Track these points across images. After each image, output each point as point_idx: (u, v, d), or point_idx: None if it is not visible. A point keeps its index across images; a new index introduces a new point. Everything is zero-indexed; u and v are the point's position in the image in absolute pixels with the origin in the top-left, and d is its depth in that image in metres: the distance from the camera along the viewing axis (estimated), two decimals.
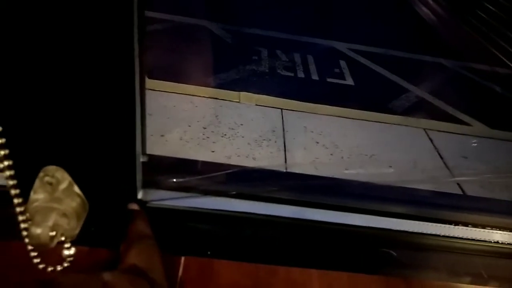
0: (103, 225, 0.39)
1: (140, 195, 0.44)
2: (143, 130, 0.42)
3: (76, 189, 0.34)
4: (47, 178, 0.32)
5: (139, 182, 0.43)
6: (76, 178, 0.34)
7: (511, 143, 2.47)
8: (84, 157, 0.36)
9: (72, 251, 0.32)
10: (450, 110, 2.71)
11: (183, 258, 0.40)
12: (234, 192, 0.46)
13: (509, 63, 3.51)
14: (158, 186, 0.46)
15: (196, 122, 2.25)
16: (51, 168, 0.33)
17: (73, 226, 0.33)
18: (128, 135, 0.37)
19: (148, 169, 0.46)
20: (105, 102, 0.34)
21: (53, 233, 0.30)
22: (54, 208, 0.31)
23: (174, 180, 0.47)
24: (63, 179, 0.33)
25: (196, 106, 2.38)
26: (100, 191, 0.38)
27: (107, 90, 0.34)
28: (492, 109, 2.89)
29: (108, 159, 0.37)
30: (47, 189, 0.32)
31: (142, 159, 0.44)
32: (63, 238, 0.32)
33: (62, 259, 0.33)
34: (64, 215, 0.32)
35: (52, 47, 0.31)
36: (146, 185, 0.45)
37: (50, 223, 0.30)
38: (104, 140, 0.36)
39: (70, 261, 0.32)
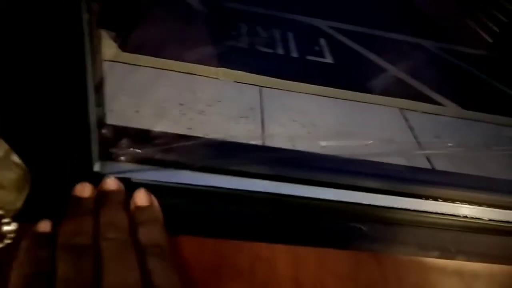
0: (54, 200, 0.36)
1: (97, 168, 0.40)
2: (99, 98, 0.39)
3: (15, 158, 0.31)
4: None
5: (95, 154, 0.40)
6: (17, 147, 0.31)
7: (482, 123, 2.54)
8: (26, 125, 0.32)
9: (13, 226, 0.29)
10: (426, 90, 2.75)
11: None
12: (200, 165, 0.43)
13: (489, 40, 3.55)
14: (118, 158, 0.43)
15: (173, 98, 2.19)
16: None
17: (13, 200, 0.30)
18: (79, 101, 0.34)
19: (107, 140, 0.43)
20: (49, 60, 0.31)
21: None
22: None
23: (137, 151, 0.44)
24: None
25: (173, 82, 2.32)
26: (48, 163, 0.35)
27: (51, 48, 0.30)
28: (466, 90, 2.95)
29: (55, 127, 0.34)
30: None
31: (99, 129, 0.41)
32: (1, 212, 0.29)
33: (2, 236, 0.30)
34: (1, 187, 0.29)
35: None
36: (104, 157, 0.42)
37: None
38: (48, 106, 0.32)
39: (12, 238, 0.30)
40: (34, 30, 0.29)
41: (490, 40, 3.60)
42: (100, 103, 0.39)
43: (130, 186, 0.42)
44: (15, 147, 0.31)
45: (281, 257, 0.39)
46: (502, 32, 3.53)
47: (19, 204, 0.30)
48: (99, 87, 0.38)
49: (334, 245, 0.42)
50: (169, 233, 0.35)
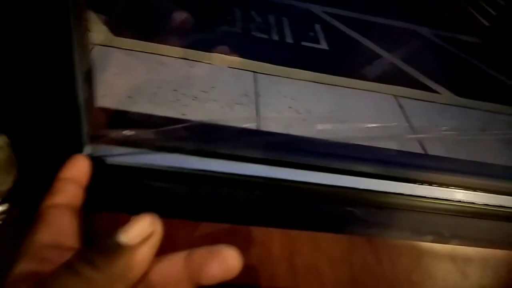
0: (44, 183, 0.35)
1: (88, 151, 0.40)
2: (88, 78, 0.38)
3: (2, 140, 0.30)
4: None
5: (86, 136, 0.39)
6: (3, 128, 0.30)
7: (477, 111, 2.55)
8: (12, 105, 0.31)
9: (2, 207, 0.28)
10: (421, 77, 2.75)
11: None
12: (193, 149, 0.43)
13: (486, 24, 3.51)
14: (109, 141, 0.42)
15: (167, 84, 2.16)
16: None
17: (1, 181, 0.29)
18: (66, 80, 0.33)
19: (98, 122, 0.42)
20: (33, 39, 0.29)
21: None
22: None
23: (129, 134, 0.43)
24: None
25: (167, 67, 2.29)
26: (36, 144, 0.34)
27: (36, 27, 0.29)
28: (461, 78, 2.96)
29: (42, 108, 0.33)
30: None
31: (89, 110, 0.40)
32: None
33: None
34: None
35: None
36: (96, 140, 0.41)
37: None
38: (34, 85, 0.31)
39: (1, 219, 0.29)
40: (18, 9, 0.28)
41: (487, 24, 3.57)
42: (89, 83, 0.38)
43: (120, 170, 0.42)
44: (1, 128, 0.30)
45: (275, 241, 0.39)
46: (499, 15, 3.50)
47: (7, 185, 0.30)
48: (87, 66, 0.37)
49: (328, 229, 0.42)
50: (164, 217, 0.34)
